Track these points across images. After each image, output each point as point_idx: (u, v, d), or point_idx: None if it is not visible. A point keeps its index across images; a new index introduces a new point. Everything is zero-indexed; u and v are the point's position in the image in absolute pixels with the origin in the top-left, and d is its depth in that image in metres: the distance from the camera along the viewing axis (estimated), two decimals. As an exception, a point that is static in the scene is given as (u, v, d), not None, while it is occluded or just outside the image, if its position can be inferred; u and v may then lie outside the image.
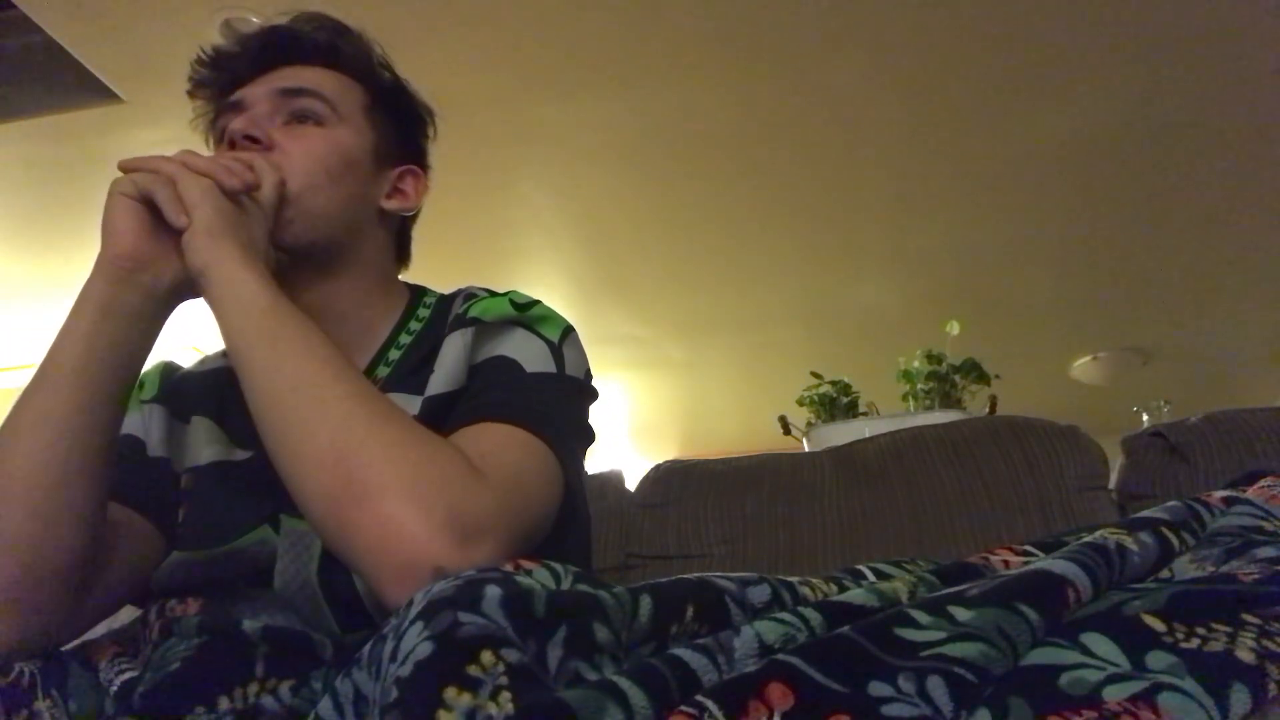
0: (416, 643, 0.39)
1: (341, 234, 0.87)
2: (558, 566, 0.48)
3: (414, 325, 0.91)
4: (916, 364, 2.10)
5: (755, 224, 3.22)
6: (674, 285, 3.59)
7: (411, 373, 0.85)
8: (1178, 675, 0.37)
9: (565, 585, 0.46)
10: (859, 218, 3.19)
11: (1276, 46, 2.39)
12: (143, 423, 0.91)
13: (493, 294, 0.89)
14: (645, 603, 0.44)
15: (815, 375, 2.19)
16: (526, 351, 0.82)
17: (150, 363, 0.91)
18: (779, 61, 2.46)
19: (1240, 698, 0.36)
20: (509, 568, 0.45)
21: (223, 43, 0.94)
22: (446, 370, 0.81)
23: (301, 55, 0.91)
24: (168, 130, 2.70)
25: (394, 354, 0.88)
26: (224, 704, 0.70)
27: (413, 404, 0.80)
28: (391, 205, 0.93)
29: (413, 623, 0.40)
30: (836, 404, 2.13)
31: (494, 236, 3.15)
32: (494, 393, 0.78)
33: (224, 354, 0.93)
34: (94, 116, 2.61)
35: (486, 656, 0.38)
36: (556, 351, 0.84)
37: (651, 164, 2.88)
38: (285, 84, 0.88)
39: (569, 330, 0.88)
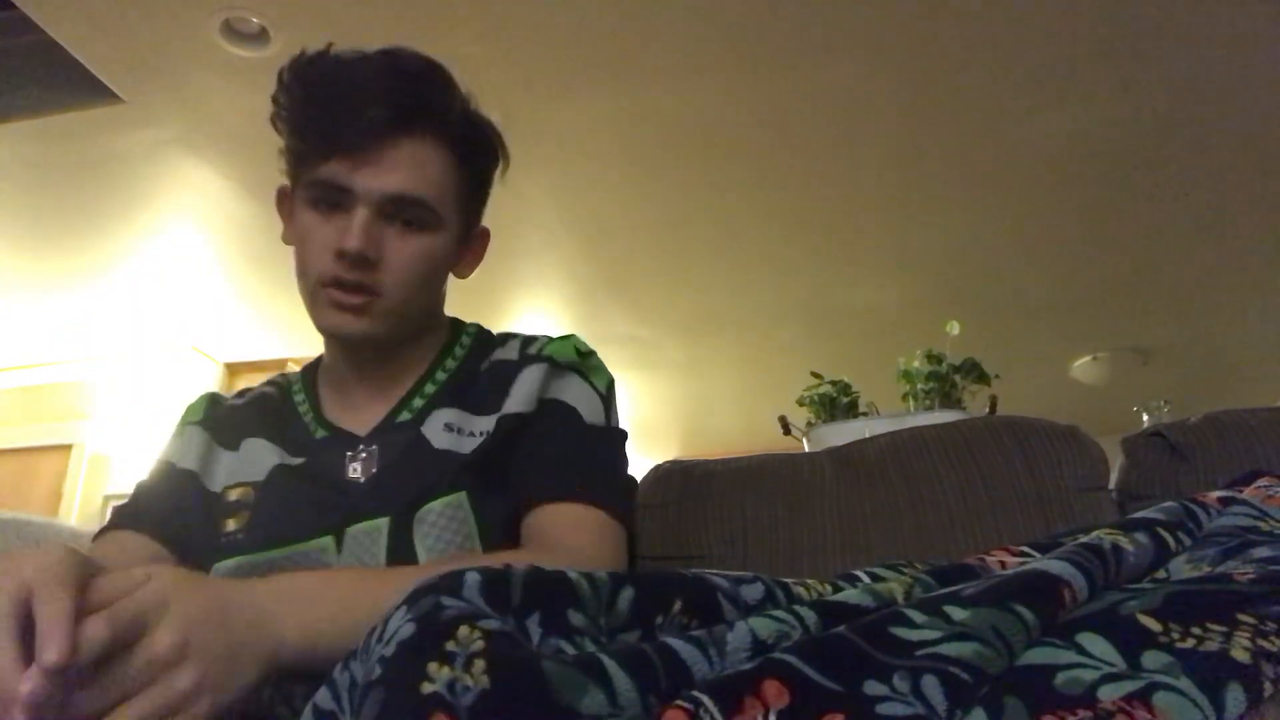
0: (400, 625, 0.40)
1: (424, 320, 0.97)
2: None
3: (450, 363, 0.99)
4: (916, 364, 2.10)
5: (755, 224, 3.22)
6: (674, 285, 3.59)
7: (453, 395, 0.95)
8: (1173, 675, 0.37)
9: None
10: (859, 218, 3.19)
11: (1277, 47, 2.39)
12: (182, 445, 0.98)
13: (556, 337, 1.00)
14: (627, 592, 0.45)
15: (815, 375, 2.19)
16: (585, 402, 0.93)
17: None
18: (779, 61, 2.46)
19: (1235, 697, 0.36)
20: (501, 565, 0.46)
21: (324, 84, 0.89)
22: (522, 396, 0.91)
23: (412, 128, 0.88)
24: (167, 130, 2.70)
25: (430, 388, 0.97)
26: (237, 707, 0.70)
27: (462, 417, 0.91)
28: (464, 272, 1.01)
29: (396, 608, 0.42)
30: (836, 404, 2.13)
31: (494, 236, 3.14)
32: (564, 463, 0.88)
33: (266, 384, 1.06)
34: (94, 116, 2.61)
35: (463, 631, 0.39)
36: (606, 402, 0.96)
37: (651, 164, 2.89)
38: (396, 188, 0.86)
39: (612, 383, 0.99)
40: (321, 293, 0.88)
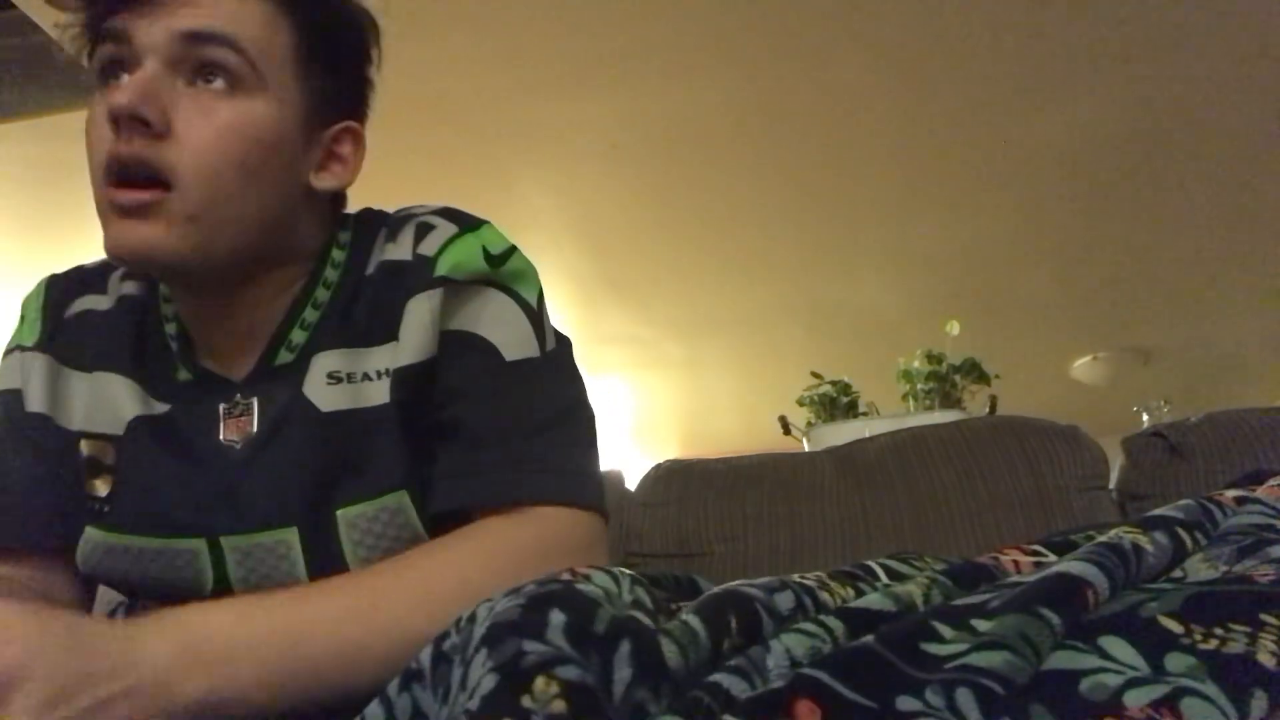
0: (482, 674, 0.38)
1: (260, 237, 0.70)
2: (616, 571, 0.47)
3: (330, 273, 0.75)
4: (916, 364, 2.10)
5: (755, 224, 3.22)
6: (674, 285, 3.59)
7: (337, 326, 0.73)
8: (1198, 678, 0.37)
9: (625, 591, 0.45)
10: (859, 217, 3.19)
11: (1276, 46, 2.39)
12: (22, 375, 0.77)
13: (460, 231, 0.74)
14: (694, 622, 0.43)
15: (815, 375, 2.19)
16: (504, 330, 0.72)
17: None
18: (779, 61, 2.46)
19: (1260, 704, 0.36)
20: (567, 576, 0.44)
21: None
22: (413, 340, 0.70)
23: None
24: (167, 130, 2.70)
25: (311, 315, 0.74)
26: None
27: (349, 358, 0.71)
28: (325, 183, 0.74)
29: (478, 649, 0.39)
30: (836, 404, 2.13)
31: (494, 236, 3.14)
32: (495, 442, 0.68)
33: (138, 279, 0.81)
34: (94, 116, 2.61)
35: (539, 683, 0.37)
36: (535, 320, 0.74)
37: (651, 164, 2.88)
38: (189, 25, 0.65)
39: (542, 292, 0.77)
40: (101, 194, 0.66)
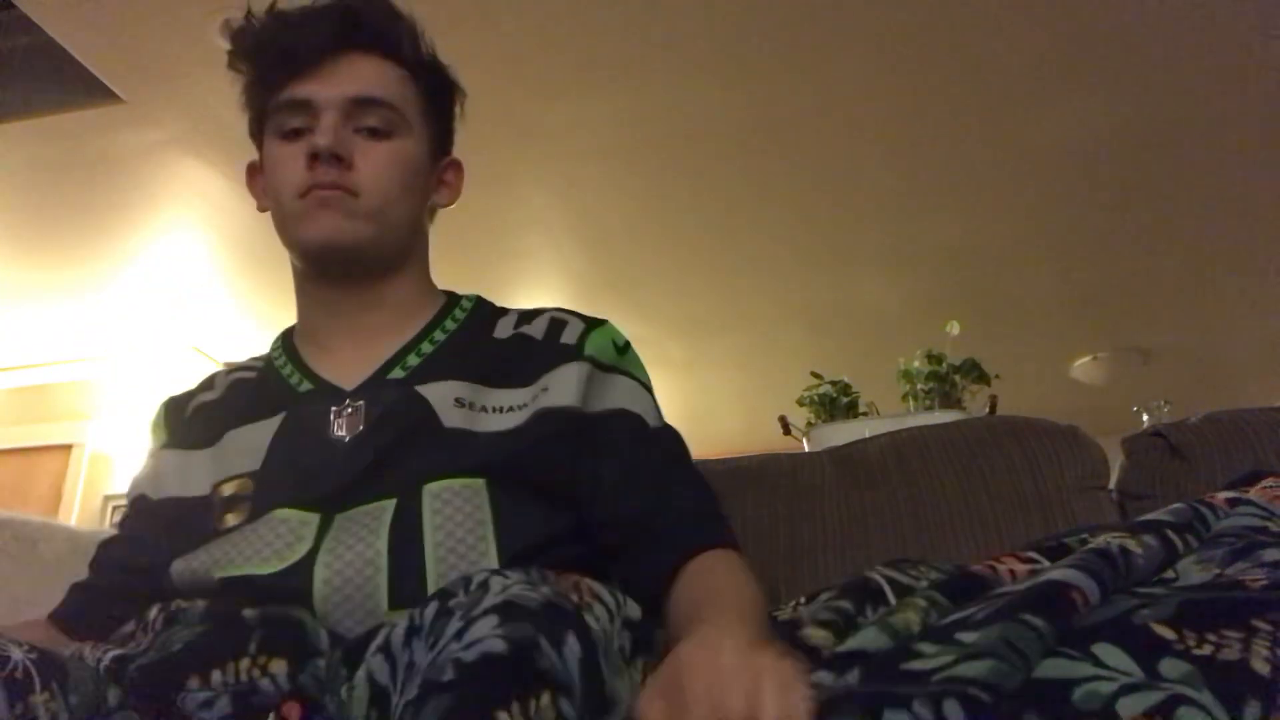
0: (489, 634, 0.39)
1: (407, 237, 0.94)
2: (620, 596, 0.48)
3: (450, 324, 0.96)
4: (916, 364, 2.10)
5: (755, 224, 3.22)
6: (674, 285, 3.59)
7: (460, 364, 0.90)
8: (1193, 686, 0.37)
9: (615, 634, 0.47)
10: (859, 218, 3.19)
11: (1276, 47, 2.39)
12: (156, 470, 0.94)
13: (589, 326, 0.93)
14: None
15: (815, 375, 2.19)
16: (641, 404, 0.90)
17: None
18: (779, 62, 2.46)
19: (1253, 712, 0.36)
20: (575, 598, 0.45)
21: (272, 14, 0.93)
22: (562, 391, 0.86)
23: (362, 42, 0.92)
24: (167, 130, 2.70)
25: (427, 347, 0.92)
26: (216, 678, 0.69)
27: (475, 391, 0.86)
28: (442, 199, 1.00)
29: (487, 614, 0.40)
30: (836, 404, 2.13)
31: (494, 236, 3.15)
32: (681, 506, 0.83)
33: (241, 367, 1.00)
34: (94, 116, 2.61)
35: (545, 699, 0.38)
36: (654, 398, 0.93)
37: (651, 164, 2.88)
38: (357, 92, 0.90)
39: (647, 373, 0.96)
40: (299, 203, 0.88)
